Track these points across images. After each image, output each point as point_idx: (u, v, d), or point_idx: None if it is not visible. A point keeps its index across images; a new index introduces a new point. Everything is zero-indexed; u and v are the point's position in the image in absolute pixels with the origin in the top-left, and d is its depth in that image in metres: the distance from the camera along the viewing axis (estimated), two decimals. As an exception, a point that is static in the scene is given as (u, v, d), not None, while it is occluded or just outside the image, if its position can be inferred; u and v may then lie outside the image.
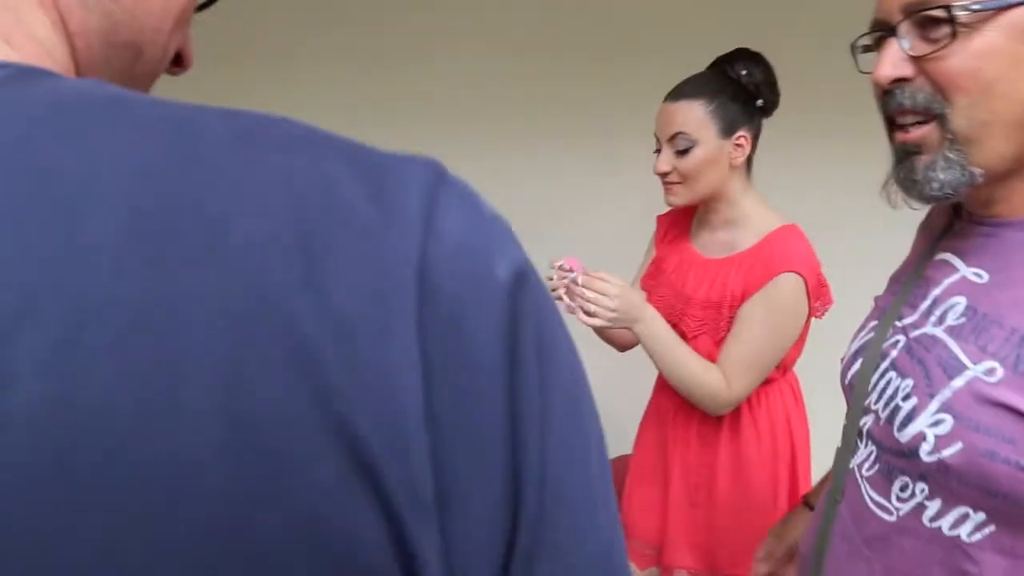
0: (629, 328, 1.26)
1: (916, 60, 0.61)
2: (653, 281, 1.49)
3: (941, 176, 0.61)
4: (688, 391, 1.29)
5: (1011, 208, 0.63)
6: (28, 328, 0.24)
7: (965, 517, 0.60)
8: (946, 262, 0.68)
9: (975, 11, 0.57)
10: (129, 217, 0.26)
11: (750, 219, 1.34)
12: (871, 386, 0.71)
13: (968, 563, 0.60)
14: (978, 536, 0.60)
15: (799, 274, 1.25)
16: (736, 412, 1.36)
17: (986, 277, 0.63)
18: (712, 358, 1.31)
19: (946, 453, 0.59)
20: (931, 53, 0.60)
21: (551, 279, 1.27)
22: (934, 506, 0.62)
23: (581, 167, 2.08)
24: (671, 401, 1.45)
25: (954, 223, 0.71)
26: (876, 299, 0.81)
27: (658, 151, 1.32)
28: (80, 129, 0.27)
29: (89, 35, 0.34)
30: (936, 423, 0.61)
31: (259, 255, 0.26)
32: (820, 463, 1.53)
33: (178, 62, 0.41)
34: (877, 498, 0.68)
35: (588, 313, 1.23)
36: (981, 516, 0.60)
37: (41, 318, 0.25)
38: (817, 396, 1.60)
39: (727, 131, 1.28)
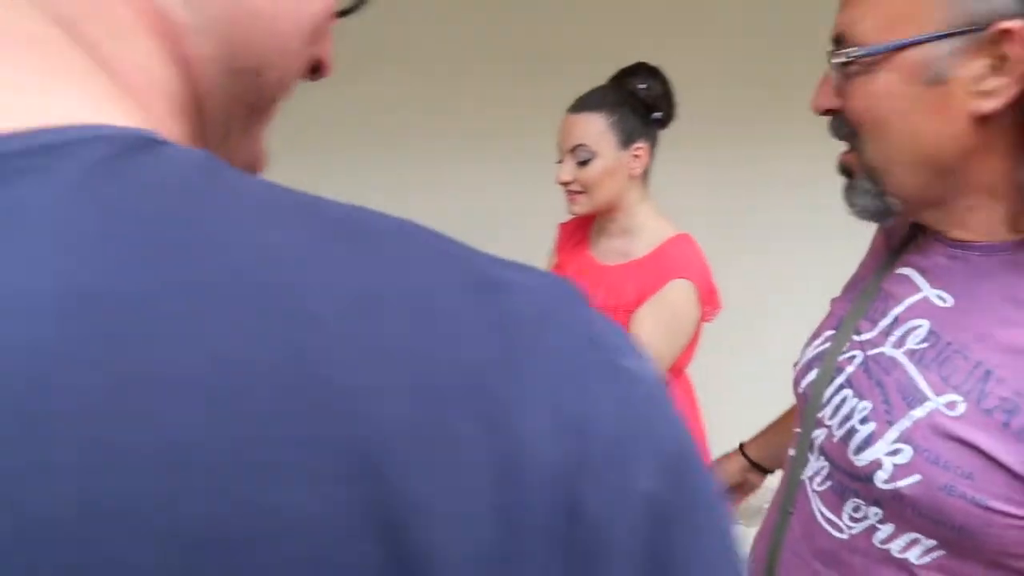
0: None
1: (835, 89, 0.63)
2: (553, 287, 1.52)
3: (859, 201, 0.64)
4: None
5: (970, 232, 0.62)
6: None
7: (916, 542, 0.60)
8: (908, 279, 0.66)
9: (870, 53, 0.58)
10: (221, 419, 0.20)
11: (645, 228, 1.38)
12: (825, 399, 0.69)
13: None
14: (927, 559, 0.60)
15: (690, 280, 1.30)
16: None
17: (950, 301, 0.62)
18: None
19: (903, 483, 0.59)
20: (846, 89, 0.62)
21: None
22: (886, 529, 0.62)
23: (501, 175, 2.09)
24: None
25: (917, 234, 0.69)
26: (832, 303, 0.79)
27: (561, 161, 1.35)
28: (149, 286, 0.21)
29: (204, 63, 0.29)
30: (894, 452, 0.60)
31: (390, 471, 0.20)
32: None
33: (316, 69, 0.36)
34: (828, 514, 0.67)
35: None
36: (932, 542, 0.60)
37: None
38: (711, 399, 1.67)
39: (626, 143, 1.31)
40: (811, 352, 0.75)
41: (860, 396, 0.65)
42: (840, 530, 0.66)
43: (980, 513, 0.55)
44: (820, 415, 0.70)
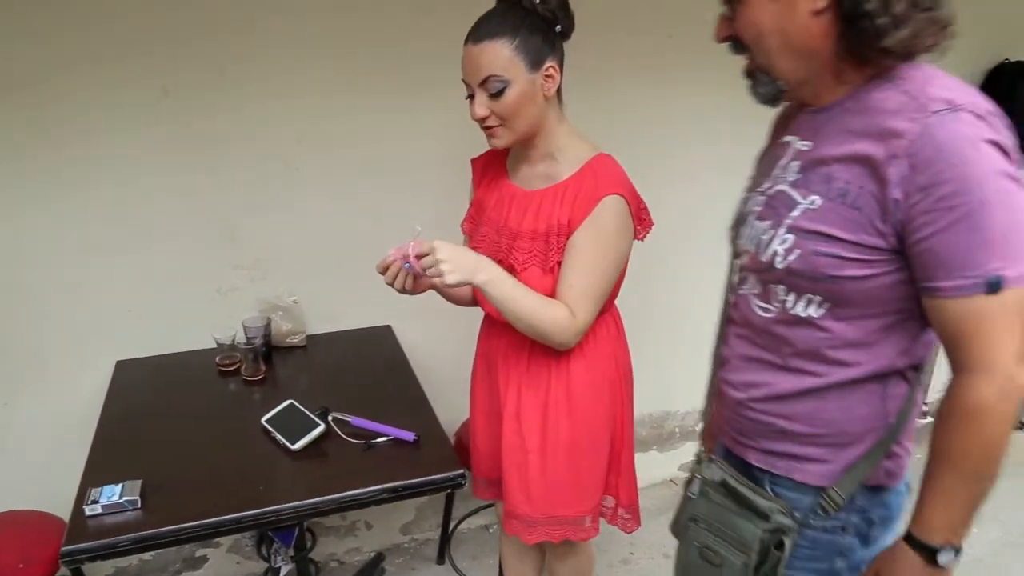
0: (470, 282, 1.20)
1: (729, 21, 0.96)
2: (473, 223, 1.45)
3: (761, 90, 0.97)
4: (535, 329, 1.26)
5: (821, 100, 0.95)
6: None
7: (810, 302, 0.94)
8: (787, 142, 1.00)
9: None
10: None
11: (566, 150, 1.30)
12: (741, 234, 1.04)
13: (820, 331, 0.94)
14: (821, 311, 0.93)
15: (621, 195, 1.24)
16: (563, 351, 1.35)
17: (809, 144, 0.95)
18: (542, 288, 1.28)
19: (791, 259, 0.92)
20: (734, 18, 0.95)
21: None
22: (791, 298, 0.96)
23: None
24: (499, 346, 1.44)
25: (794, 114, 1.03)
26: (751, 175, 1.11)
27: (470, 96, 1.25)
28: None
29: None
30: (783, 241, 0.93)
31: None
32: (642, 398, 1.54)
33: None
34: (762, 304, 1.01)
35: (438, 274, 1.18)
36: (819, 298, 0.93)
37: None
38: (640, 328, 1.63)
39: (535, 65, 1.21)
40: (736, 209, 1.09)
41: (761, 219, 0.99)
42: (768, 311, 1.00)
43: (837, 263, 0.88)
44: (740, 243, 1.04)
